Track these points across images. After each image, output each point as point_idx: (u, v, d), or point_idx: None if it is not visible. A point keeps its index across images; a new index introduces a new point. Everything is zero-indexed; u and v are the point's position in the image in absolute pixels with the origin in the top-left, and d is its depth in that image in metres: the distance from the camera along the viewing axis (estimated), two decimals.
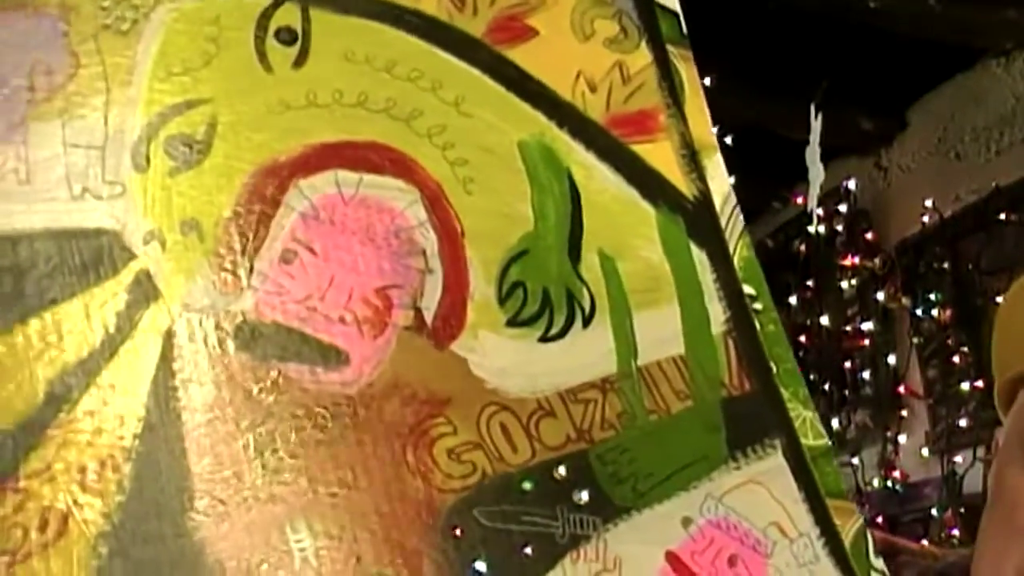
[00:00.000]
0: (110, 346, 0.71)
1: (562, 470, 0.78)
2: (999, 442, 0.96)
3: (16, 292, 0.71)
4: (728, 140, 3.36)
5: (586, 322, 0.82)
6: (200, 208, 0.76)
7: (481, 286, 0.81)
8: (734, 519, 0.81)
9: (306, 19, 0.82)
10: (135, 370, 0.71)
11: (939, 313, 4.44)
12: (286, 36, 0.81)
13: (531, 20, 0.88)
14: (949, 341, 4.40)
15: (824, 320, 4.88)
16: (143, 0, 0.79)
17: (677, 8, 0.92)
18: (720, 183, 0.89)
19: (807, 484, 0.83)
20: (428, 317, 0.79)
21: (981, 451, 3.94)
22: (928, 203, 4.51)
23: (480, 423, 0.77)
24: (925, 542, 3.73)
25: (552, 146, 0.85)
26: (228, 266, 0.75)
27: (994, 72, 4.39)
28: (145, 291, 0.73)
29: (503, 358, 0.79)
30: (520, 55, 0.87)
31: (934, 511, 4.27)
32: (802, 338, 4.87)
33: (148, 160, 0.76)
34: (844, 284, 4.84)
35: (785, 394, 0.86)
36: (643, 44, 0.90)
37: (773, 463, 0.83)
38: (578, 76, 0.88)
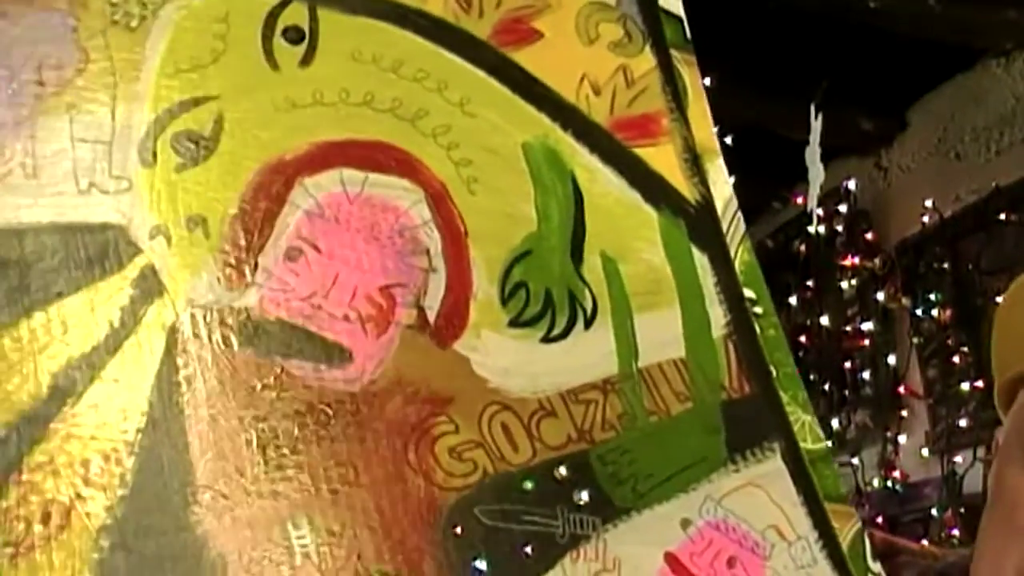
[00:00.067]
0: (114, 340, 0.72)
1: (563, 470, 0.79)
2: (999, 442, 0.96)
3: (22, 285, 0.71)
4: (728, 140, 3.34)
5: (588, 323, 0.83)
6: (206, 204, 0.76)
7: (484, 286, 0.81)
8: (733, 521, 0.81)
9: (313, 18, 0.82)
10: (139, 365, 0.72)
11: (939, 313, 4.43)
12: (293, 35, 0.81)
13: (536, 23, 0.88)
14: (949, 341, 4.39)
15: (824, 320, 4.86)
16: None
17: (681, 13, 0.93)
18: (722, 187, 0.90)
19: (806, 487, 0.84)
20: (431, 316, 0.79)
21: (981, 451, 3.93)
22: (928, 203, 4.49)
23: (482, 422, 0.78)
24: (925, 542, 3.72)
25: (556, 148, 0.86)
26: (233, 262, 0.75)
27: (994, 72, 4.38)
28: (150, 286, 0.73)
29: (505, 358, 0.80)
30: (525, 57, 0.87)
31: (934, 511, 4.26)
32: (802, 338, 4.86)
33: (155, 156, 0.76)
34: (844, 284, 4.82)
35: (784, 398, 0.86)
36: (647, 48, 0.91)
37: (772, 466, 0.84)
38: (582, 79, 0.88)
